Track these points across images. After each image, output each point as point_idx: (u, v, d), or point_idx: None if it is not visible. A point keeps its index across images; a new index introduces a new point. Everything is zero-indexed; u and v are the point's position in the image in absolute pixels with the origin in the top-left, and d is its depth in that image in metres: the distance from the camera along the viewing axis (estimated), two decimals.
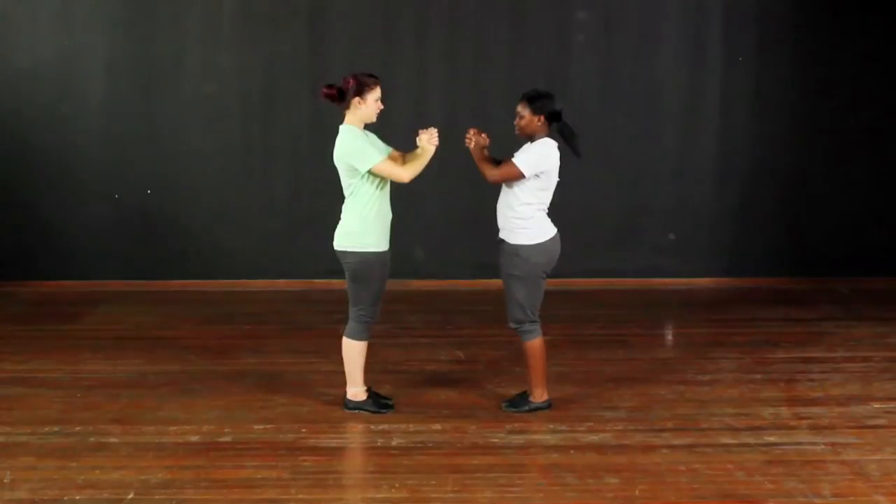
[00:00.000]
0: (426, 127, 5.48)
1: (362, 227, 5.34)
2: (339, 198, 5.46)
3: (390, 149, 5.51)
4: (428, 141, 5.40)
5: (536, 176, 5.34)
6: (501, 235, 5.51)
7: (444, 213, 8.78)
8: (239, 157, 8.75)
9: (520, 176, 5.33)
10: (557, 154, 5.40)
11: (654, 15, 8.75)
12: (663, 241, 8.94)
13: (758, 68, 8.77)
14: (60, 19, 8.55)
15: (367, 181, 5.32)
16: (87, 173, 8.68)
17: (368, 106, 5.33)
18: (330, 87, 5.34)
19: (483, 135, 5.53)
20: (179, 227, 8.74)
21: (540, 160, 5.33)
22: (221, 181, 8.76)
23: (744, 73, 8.78)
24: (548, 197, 5.46)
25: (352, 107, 5.34)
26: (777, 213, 8.93)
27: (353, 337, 5.50)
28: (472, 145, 5.51)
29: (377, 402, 5.61)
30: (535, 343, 5.51)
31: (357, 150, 5.27)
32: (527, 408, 5.58)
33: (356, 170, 5.28)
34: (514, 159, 5.38)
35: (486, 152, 5.52)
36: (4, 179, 8.65)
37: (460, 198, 8.63)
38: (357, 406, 5.57)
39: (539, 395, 5.60)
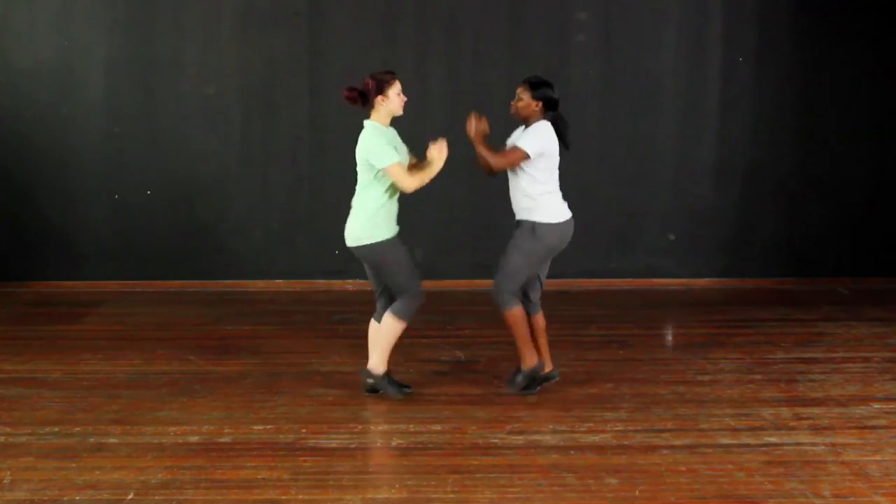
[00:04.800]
0: (431, 132, 5.59)
1: (370, 220, 5.48)
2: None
3: (407, 153, 5.63)
4: (437, 153, 5.49)
5: (540, 156, 5.45)
6: (518, 217, 5.62)
7: (444, 213, 8.78)
8: (239, 157, 8.74)
9: (525, 157, 5.45)
10: (555, 135, 5.54)
11: (654, 15, 8.75)
12: (663, 241, 8.94)
13: (758, 68, 8.76)
14: (60, 19, 8.54)
15: (380, 179, 5.46)
16: (87, 173, 8.67)
17: (391, 101, 5.49)
18: (351, 89, 5.48)
19: (483, 118, 5.55)
20: (179, 227, 8.74)
21: (542, 140, 5.48)
22: (221, 181, 8.75)
23: (744, 73, 8.78)
24: (555, 177, 5.59)
25: (376, 105, 5.48)
26: (777, 213, 8.92)
27: (400, 315, 5.61)
28: (472, 131, 5.52)
29: (396, 385, 5.71)
30: (514, 312, 5.59)
31: (375, 148, 5.41)
32: (521, 378, 5.68)
33: (372, 166, 5.42)
34: (517, 143, 5.48)
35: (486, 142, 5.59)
36: (4, 179, 8.64)
37: (460, 198, 8.64)
38: (376, 381, 5.64)
39: (530, 360, 5.67)
